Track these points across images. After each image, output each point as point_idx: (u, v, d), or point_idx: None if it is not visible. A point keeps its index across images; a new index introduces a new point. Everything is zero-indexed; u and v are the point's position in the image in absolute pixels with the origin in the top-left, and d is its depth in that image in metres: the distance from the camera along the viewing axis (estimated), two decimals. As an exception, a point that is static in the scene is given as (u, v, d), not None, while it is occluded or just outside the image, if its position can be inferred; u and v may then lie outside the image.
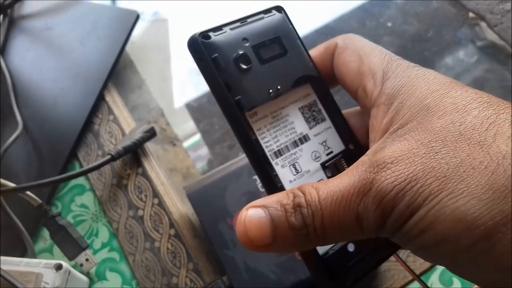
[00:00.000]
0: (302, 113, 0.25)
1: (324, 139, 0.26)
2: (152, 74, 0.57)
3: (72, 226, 0.45)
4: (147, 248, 0.45)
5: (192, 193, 0.43)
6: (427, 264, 0.40)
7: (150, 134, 0.49)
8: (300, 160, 0.24)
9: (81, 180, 0.50)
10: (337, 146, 0.26)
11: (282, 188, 0.23)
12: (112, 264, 0.45)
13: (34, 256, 0.45)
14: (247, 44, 0.24)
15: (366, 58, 0.24)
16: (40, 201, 0.45)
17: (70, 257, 0.43)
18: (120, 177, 0.49)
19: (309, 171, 0.24)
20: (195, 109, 0.56)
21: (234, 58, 0.23)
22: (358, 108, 0.27)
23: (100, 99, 0.54)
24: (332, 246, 0.23)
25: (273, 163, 0.24)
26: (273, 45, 0.25)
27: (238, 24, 0.24)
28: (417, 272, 0.40)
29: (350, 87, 0.25)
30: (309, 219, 0.20)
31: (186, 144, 0.53)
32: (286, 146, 0.24)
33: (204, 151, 0.53)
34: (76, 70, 0.55)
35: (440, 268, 0.40)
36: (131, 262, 0.45)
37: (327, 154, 0.25)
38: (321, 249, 0.23)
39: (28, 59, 0.58)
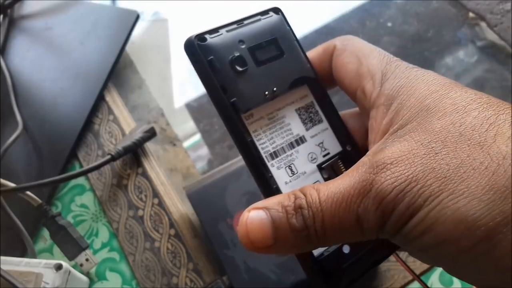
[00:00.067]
0: (299, 115, 0.25)
1: (321, 140, 0.26)
2: (152, 74, 0.57)
3: (72, 226, 0.45)
4: (147, 248, 0.45)
5: (192, 193, 0.43)
6: (427, 264, 0.40)
7: (150, 134, 0.49)
8: (296, 161, 0.24)
9: (81, 180, 0.50)
10: (334, 147, 0.26)
11: (277, 190, 0.23)
12: (112, 264, 0.45)
13: (34, 256, 0.45)
14: (243, 46, 0.24)
15: (365, 59, 0.24)
16: (40, 201, 0.45)
17: (70, 257, 0.43)
18: (120, 177, 0.49)
19: (305, 172, 0.24)
20: (195, 109, 0.56)
21: (229, 60, 0.23)
22: (356, 109, 0.27)
23: (100, 99, 0.54)
24: (327, 248, 0.23)
25: (268, 164, 0.24)
26: (270, 47, 0.25)
27: (234, 26, 0.24)
28: (417, 272, 0.40)
29: (348, 88, 0.25)
30: (310, 220, 0.20)
31: (186, 144, 0.53)
32: (282, 147, 0.24)
33: (204, 151, 0.53)
34: (76, 70, 0.55)
35: (440, 268, 0.40)
36: (131, 262, 0.45)
37: (324, 156, 0.25)
38: (316, 251, 0.23)
39: (28, 59, 0.58)
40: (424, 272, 0.40)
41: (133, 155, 0.50)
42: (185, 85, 0.58)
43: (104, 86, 0.54)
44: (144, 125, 0.50)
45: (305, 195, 0.20)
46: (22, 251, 0.46)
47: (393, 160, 0.19)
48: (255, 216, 0.20)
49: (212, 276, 0.43)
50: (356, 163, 0.20)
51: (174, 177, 0.50)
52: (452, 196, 0.17)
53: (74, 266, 0.43)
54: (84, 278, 0.44)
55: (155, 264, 0.44)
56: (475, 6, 0.54)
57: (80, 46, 0.57)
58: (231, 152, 0.52)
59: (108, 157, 0.46)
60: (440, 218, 0.17)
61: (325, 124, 0.26)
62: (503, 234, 0.16)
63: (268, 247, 0.20)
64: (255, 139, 0.24)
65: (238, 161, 0.43)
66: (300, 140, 0.25)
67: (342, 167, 0.25)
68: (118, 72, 0.56)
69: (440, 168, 0.18)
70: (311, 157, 0.25)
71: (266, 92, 0.24)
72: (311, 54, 0.27)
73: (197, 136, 0.54)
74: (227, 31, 0.24)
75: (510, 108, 0.19)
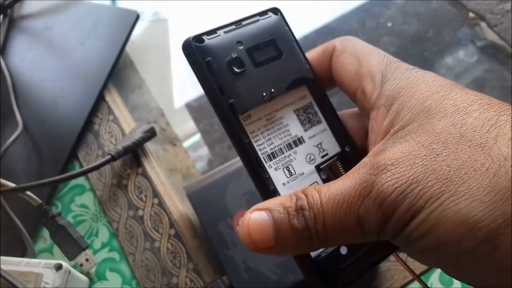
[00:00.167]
0: (297, 116, 0.25)
1: (320, 141, 0.26)
2: (152, 74, 0.57)
3: (72, 226, 0.45)
4: (147, 248, 0.45)
5: (192, 193, 0.43)
6: (427, 266, 0.40)
7: (150, 134, 0.49)
8: (294, 162, 0.24)
9: (81, 180, 0.50)
10: (332, 148, 0.26)
11: (274, 191, 0.23)
12: (112, 264, 0.45)
13: (34, 256, 0.45)
14: (241, 47, 0.24)
15: (365, 60, 0.24)
16: (40, 201, 0.45)
17: (70, 257, 0.43)
18: (120, 177, 0.49)
19: (303, 173, 0.24)
20: (195, 109, 0.56)
21: (227, 62, 0.23)
22: (355, 109, 0.27)
23: (100, 99, 0.53)
24: (325, 249, 0.24)
25: (266, 165, 0.24)
26: (268, 47, 0.25)
27: (232, 27, 0.24)
28: (417, 272, 0.40)
29: (348, 89, 0.25)
30: (311, 221, 0.20)
31: (186, 144, 0.53)
32: (280, 148, 0.24)
33: (204, 151, 0.53)
34: (76, 70, 0.55)
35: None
36: (131, 262, 0.45)
37: (322, 157, 0.25)
38: (313, 252, 0.23)
39: (28, 59, 0.58)
40: (424, 272, 0.40)
41: (133, 155, 0.50)
42: (185, 85, 0.58)
43: (104, 86, 0.54)
44: (144, 125, 0.50)
45: (306, 196, 0.20)
46: (22, 251, 0.46)
47: (394, 161, 0.19)
48: (257, 217, 0.20)
49: (212, 276, 0.43)
50: (357, 164, 0.20)
51: (174, 177, 0.50)
52: (453, 197, 0.17)
53: (74, 266, 0.43)
54: (84, 278, 0.44)
55: (155, 264, 0.44)
56: (475, 6, 0.54)
57: (80, 46, 0.57)
58: (231, 152, 0.52)
59: (108, 157, 0.46)
60: (441, 220, 0.17)
61: (323, 125, 0.26)
62: (504, 235, 0.16)
63: (270, 248, 0.20)
64: (252, 140, 0.24)
65: (238, 161, 0.43)
66: (298, 141, 0.25)
67: (341, 168, 0.25)
68: (118, 72, 0.56)
69: (441, 169, 0.18)
70: (309, 158, 0.25)
71: (264, 93, 0.24)
72: (311, 54, 0.27)
73: (197, 136, 0.54)
74: (225, 32, 0.24)
75: (511, 109, 0.19)
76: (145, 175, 0.49)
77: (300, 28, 0.58)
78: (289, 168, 0.24)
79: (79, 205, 0.49)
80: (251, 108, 0.24)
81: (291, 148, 0.25)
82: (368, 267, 0.24)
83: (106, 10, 0.59)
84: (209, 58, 0.23)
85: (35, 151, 0.51)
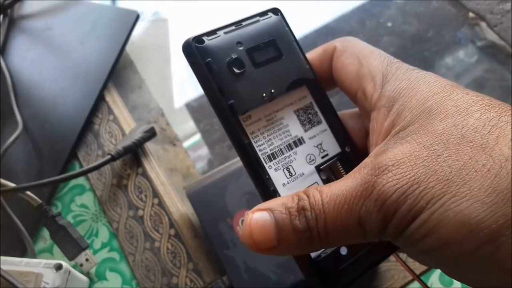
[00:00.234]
0: (298, 116, 0.25)
1: (320, 141, 0.26)
2: (152, 74, 0.57)
3: (72, 226, 0.45)
4: (147, 248, 0.45)
5: (192, 193, 0.43)
6: (428, 267, 0.40)
7: (150, 134, 0.49)
8: (294, 163, 0.24)
9: (81, 180, 0.50)
10: (332, 148, 0.26)
11: (274, 191, 0.23)
12: (112, 264, 0.45)
13: (34, 256, 0.45)
14: (241, 48, 0.24)
15: (365, 61, 0.24)
16: (40, 201, 0.45)
17: (70, 257, 0.43)
18: (120, 177, 0.49)
19: (303, 174, 0.24)
20: (195, 109, 0.56)
21: (227, 63, 0.23)
22: (355, 109, 0.27)
23: (100, 99, 0.53)
24: (325, 249, 0.24)
25: (266, 166, 0.24)
26: (268, 48, 0.25)
27: (232, 27, 0.24)
28: (417, 272, 0.40)
29: (349, 89, 0.25)
30: (312, 222, 0.20)
31: (186, 144, 0.53)
32: (280, 149, 0.24)
33: (204, 151, 0.53)
34: (76, 70, 0.55)
35: (440, 269, 0.40)
36: (131, 262, 0.45)
37: (322, 157, 0.25)
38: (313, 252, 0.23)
39: (28, 59, 0.58)
40: (424, 272, 0.40)
41: (133, 155, 0.50)
42: (185, 85, 0.58)
43: (104, 86, 0.54)
44: (144, 125, 0.50)
45: (308, 197, 0.20)
46: (22, 251, 0.46)
47: (395, 162, 0.19)
48: (259, 217, 0.20)
49: (212, 276, 0.43)
50: (359, 165, 0.20)
51: (174, 177, 0.50)
52: (455, 198, 0.17)
53: (74, 266, 0.43)
54: (84, 278, 0.44)
55: (155, 264, 0.44)
56: (475, 6, 0.54)
57: (80, 46, 0.57)
58: (231, 152, 0.52)
59: (108, 157, 0.46)
60: (442, 221, 0.17)
61: (324, 125, 0.26)
62: (505, 236, 0.16)
63: (272, 248, 0.20)
64: (252, 141, 0.24)
65: (238, 161, 0.43)
66: (299, 142, 0.25)
67: (341, 169, 0.25)
68: (118, 72, 0.56)
69: (442, 170, 0.17)
70: (310, 159, 0.25)
71: (264, 94, 0.24)
72: (311, 55, 0.27)
73: (197, 136, 0.54)
74: (225, 32, 0.24)
75: (511, 109, 0.19)
76: (145, 175, 0.49)
77: (300, 28, 0.58)
78: (289, 168, 0.24)
79: (79, 205, 0.49)
80: (251, 109, 0.24)
81: (291, 149, 0.25)
82: (368, 268, 0.24)
83: (106, 10, 0.59)
84: (209, 59, 0.23)
85: (35, 151, 0.51)
